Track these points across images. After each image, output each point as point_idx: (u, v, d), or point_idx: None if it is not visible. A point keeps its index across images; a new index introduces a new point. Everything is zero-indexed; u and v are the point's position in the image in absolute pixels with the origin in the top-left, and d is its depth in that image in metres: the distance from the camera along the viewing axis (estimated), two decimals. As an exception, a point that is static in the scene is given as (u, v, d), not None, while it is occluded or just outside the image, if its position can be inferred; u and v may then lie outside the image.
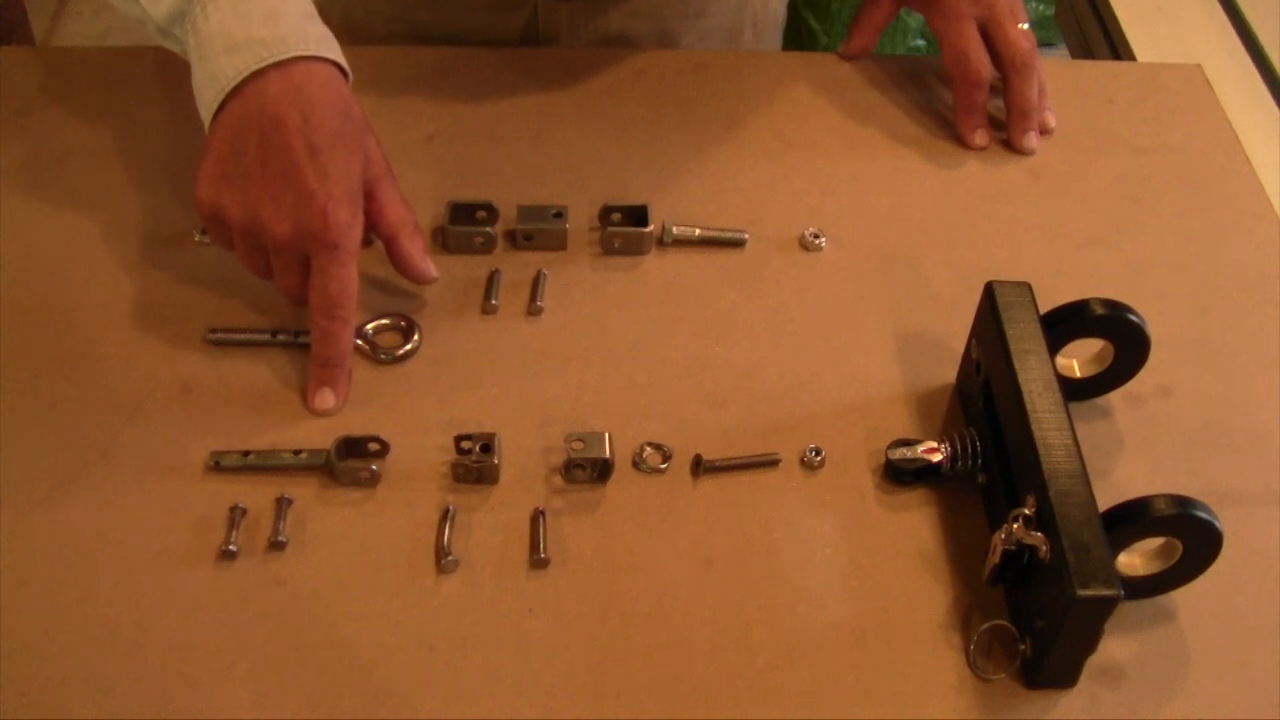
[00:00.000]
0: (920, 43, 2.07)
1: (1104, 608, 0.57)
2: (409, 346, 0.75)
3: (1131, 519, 0.60)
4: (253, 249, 0.71)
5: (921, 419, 0.74)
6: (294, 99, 0.68)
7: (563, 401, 0.73)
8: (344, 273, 0.70)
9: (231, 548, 0.65)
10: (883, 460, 0.70)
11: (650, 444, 0.71)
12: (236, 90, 0.69)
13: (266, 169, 0.68)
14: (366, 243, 0.80)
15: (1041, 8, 2.12)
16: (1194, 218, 0.87)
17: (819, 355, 0.76)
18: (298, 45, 0.69)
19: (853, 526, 0.68)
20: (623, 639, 0.63)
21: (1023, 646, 0.62)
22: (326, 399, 0.72)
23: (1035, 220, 0.86)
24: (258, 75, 0.68)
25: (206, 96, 0.70)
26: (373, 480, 0.69)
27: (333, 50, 0.72)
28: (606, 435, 0.69)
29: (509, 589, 0.65)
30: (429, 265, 0.75)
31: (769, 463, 0.71)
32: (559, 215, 0.81)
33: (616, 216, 0.82)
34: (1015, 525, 0.61)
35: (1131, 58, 1.07)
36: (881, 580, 0.66)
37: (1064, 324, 0.69)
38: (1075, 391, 0.73)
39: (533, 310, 0.78)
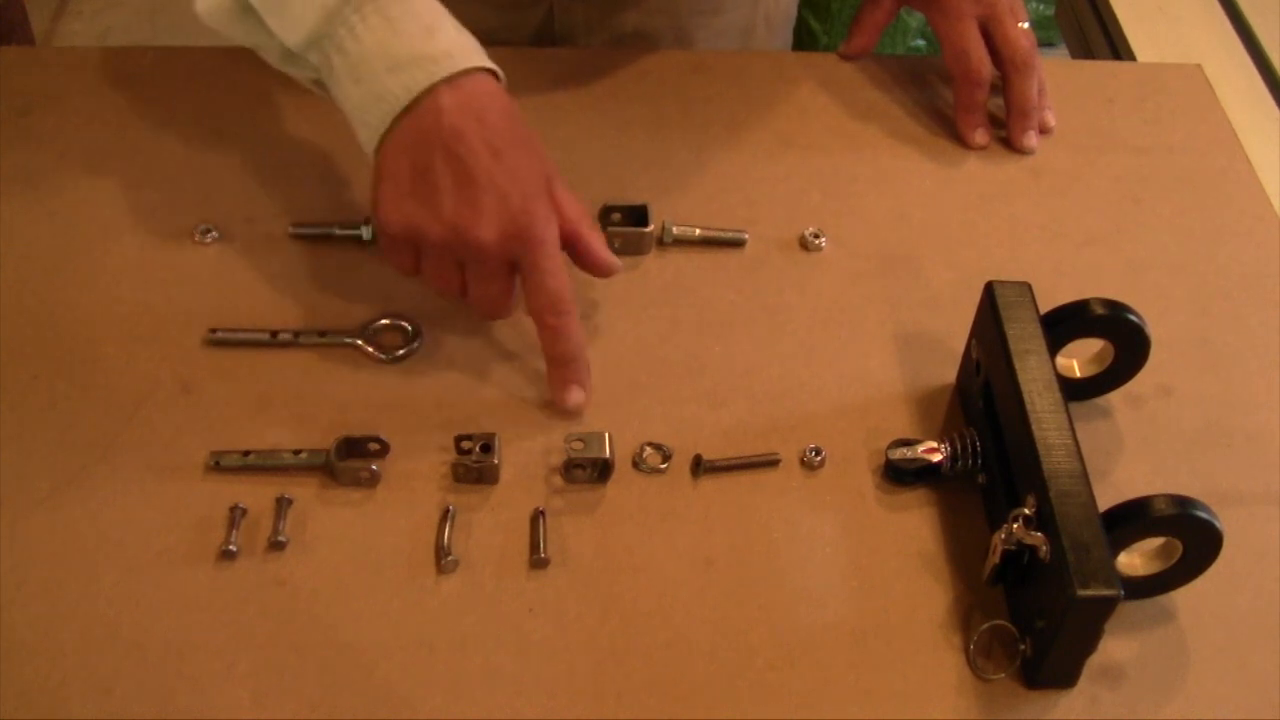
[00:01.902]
0: (920, 42, 2.07)
1: (1104, 608, 0.57)
2: (410, 346, 0.75)
3: (1131, 519, 0.60)
4: (450, 266, 0.70)
5: (921, 419, 0.74)
6: (469, 110, 0.68)
7: (563, 401, 0.73)
8: (555, 266, 0.69)
9: (231, 548, 0.65)
10: (883, 460, 0.70)
11: (650, 444, 0.71)
12: (408, 109, 0.68)
13: (458, 180, 0.67)
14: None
15: (1041, 8, 2.12)
16: (1194, 218, 0.87)
17: (819, 355, 0.76)
18: (463, 58, 0.69)
19: (853, 526, 0.68)
20: (623, 639, 0.63)
21: (1023, 646, 0.62)
22: (576, 395, 0.71)
23: (1035, 220, 0.86)
24: (428, 91, 0.68)
25: (373, 119, 0.69)
26: (373, 480, 0.69)
27: (486, 59, 0.71)
28: (606, 435, 0.69)
29: (509, 589, 0.65)
30: (614, 257, 0.74)
31: (769, 463, 0.71)
32: (559, 215, 0.81)
33: (616, 216, 0.82)
34: (1015, 525, 0.61)
35: (1131, 58, 1.07)
36: (881, 580, 0.66)
37: (1064, 324, 0.69)
38: (1075, 391, 0.73)
39: (533, 310, 0.78)
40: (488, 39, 0.96)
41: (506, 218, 0.67)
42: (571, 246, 0.73)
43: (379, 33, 0.68)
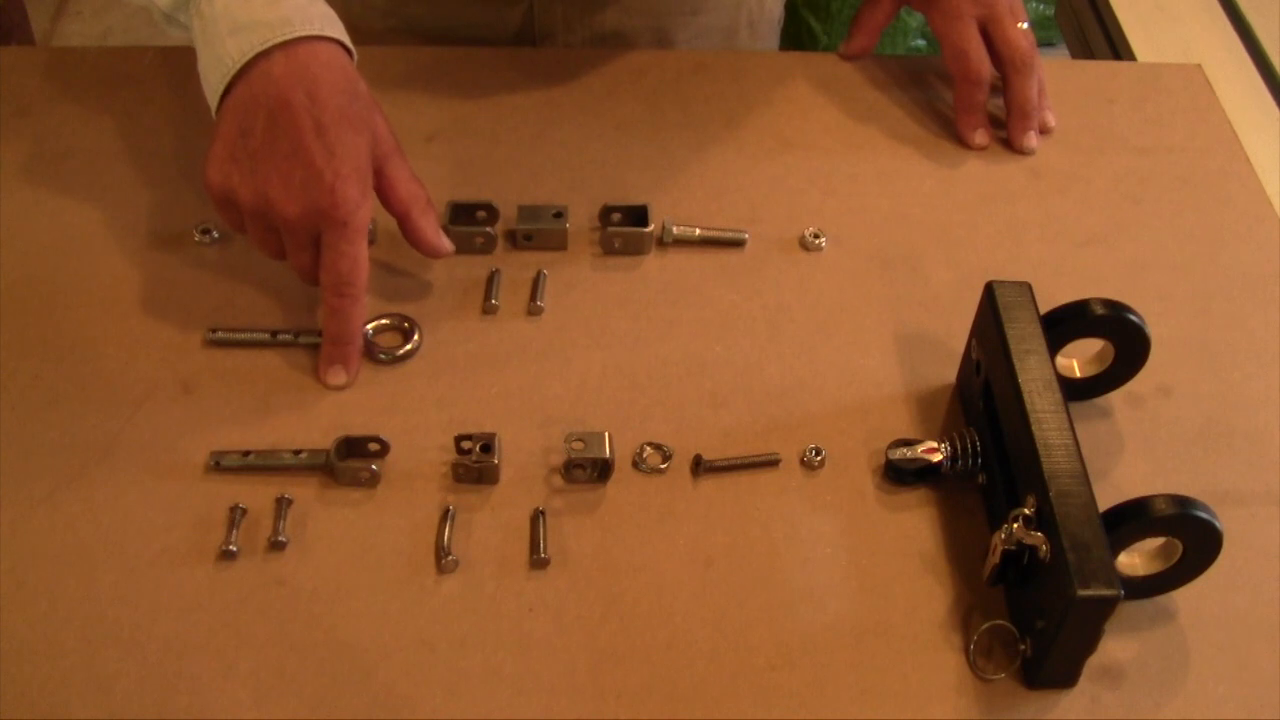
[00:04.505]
0: (920, 43, 2.07)
1: (1104, 608, 0.57)
2: (409, 346, 0.75)
3: (1131, 519, 0.60)
4: (264, 230, 0.71)
5: (921, 419, 0.74)
6: (299, 79, 0.69)
7: (563, 401, 0.73)
8: (354, 250, 0.70)
9: (231, 548, 0.65)
10: (883, 460, 0.70)
11: (650, 444, 0.71)
12: (242, 73, 0.69)
13: (275, 149, 0.68)
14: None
15: (1041, 8, 2.12)
16: (1194, 218, 0.87)
17: (819, 355, 0.76)
18: (302, 25, 0.70)
19: (853, 526, 0.68)
20: (623, 639, 0.63)
21: (1023, 646, 0.62)
22: (339, 375, 0.73)
23: (1035, 220, 0.86)
24: (263, 56, 0.69)
25: (212, 80, 0.71)
26: (373, 480, 0.69)
27: (337, 30, 0.72)
28: (606, 435, 0.69)
29: (509, 589, 0.65)
30: (442, 239, 0.76)
31: (769, 463, 0.71)
32: (559, 215, 0.81)
33: (616, 216, 0.82)
34: (1015, 525, 0.61)
35: (1131, 58, 1.07)
36: (881, 580, 0.66)
37: (1064, 324, 0.69)
38: (1075, 391, 0.73)
39: (533, 310, 0.78)
40: (469, 36, 0.96)
41: (313, 195, 0.68)
42: (402, 227, 0.75)
43: None
